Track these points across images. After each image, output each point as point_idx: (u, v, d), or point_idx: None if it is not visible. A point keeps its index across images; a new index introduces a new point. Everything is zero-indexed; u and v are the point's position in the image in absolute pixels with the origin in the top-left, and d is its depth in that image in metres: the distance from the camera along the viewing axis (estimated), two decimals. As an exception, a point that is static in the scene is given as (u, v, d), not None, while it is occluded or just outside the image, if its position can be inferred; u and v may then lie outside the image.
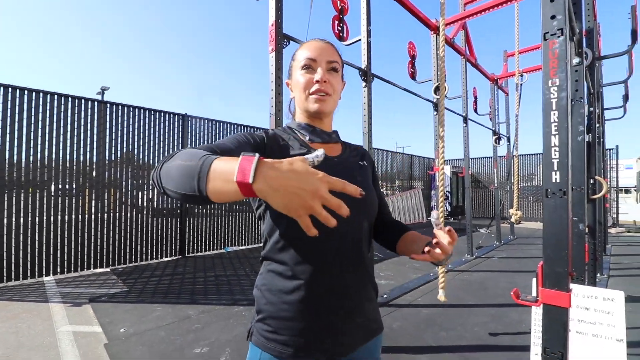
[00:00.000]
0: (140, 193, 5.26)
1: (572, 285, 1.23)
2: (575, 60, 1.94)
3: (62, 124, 4.37)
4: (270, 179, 0.46)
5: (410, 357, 2.34)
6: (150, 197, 5.35)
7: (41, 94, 4.21)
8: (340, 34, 3.21)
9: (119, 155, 4.97)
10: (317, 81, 0.81)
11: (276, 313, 0.75)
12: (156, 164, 0.64)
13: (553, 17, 1.10)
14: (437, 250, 0.71)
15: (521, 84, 5.59)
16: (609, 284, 3.98)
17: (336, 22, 3.16)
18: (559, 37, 1.08)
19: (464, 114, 5.56)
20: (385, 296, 3.52)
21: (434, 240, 0.72)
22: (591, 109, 3.14)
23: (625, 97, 6.37)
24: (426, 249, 0.71)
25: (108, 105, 4.85)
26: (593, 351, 1.78)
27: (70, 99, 4.46)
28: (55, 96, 4.33)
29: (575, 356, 1.79)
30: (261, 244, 0.83)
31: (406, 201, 10.36)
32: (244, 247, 6.46)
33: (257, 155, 0.47)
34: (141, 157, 5.24)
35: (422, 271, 4.60)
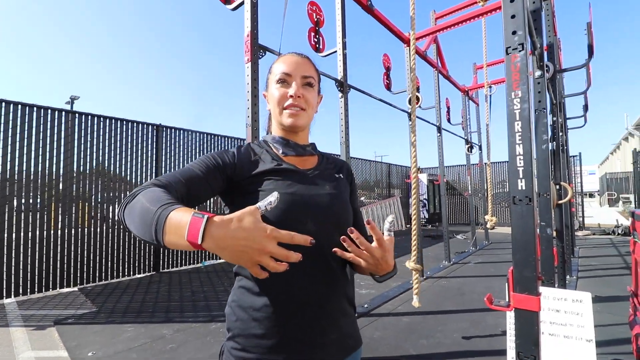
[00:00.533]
0: (110, 206, 5.04)
1: (542, 288, 1.27)
2: (538, 73, 2.05)
3: (26, 135, 4.15)
4: (218, 239, 0.50)
5: (391, 367, 2.34)
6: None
7: (3, 104, 3.99)
8: (317, 46, 3.26)
9: (88, 167, 4.76)
10: (291, 96, 0.82)
11: (245, 330, 0.73)
12: (123, 199, 0.68)
13: (514, 33, 1.16)
14: (364, 252, 0.70)
15: (490, 95, 5.85)
16: (578, 285, 4.16)
17: (312, 34, 3.21)
18: (520, 51, 1.14)
19: (437, 124, 5.73)
20: (365, 306, 3.51)
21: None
22: (554, 118, 3.31)
23: (585, 107, 6.78)
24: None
25: (77, 115, 4.66)
26: (565, 352, 1.84)
27: (35, 109, 4.25)
28: (19, 106, 4.12)
29: (550, 358, 1.84)
30: None
31: (385, 209, 10.49)
32: (222, 261, 6.30)
33: (205, 216, 0.51)
34: (112, 169, 5.04)
35: (402, 279, 4.64)
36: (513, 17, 1.15)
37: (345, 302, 0.82)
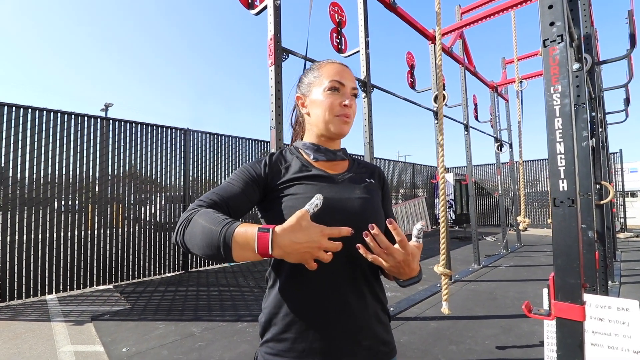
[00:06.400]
0: (142, 208, 5.26)
1: (585, 296, 1.18)
2: (576, 65, 1.93)
3: (65, 141, 4.41)
4: (285, 247, 0.57)
5: (419, 373, 2.27)
6: (153, 211, 5.34)
7: (45, 112, 4.26)
8: (339, 46, 3.24)
9: (121, 171, 4.99)
10: (346, 105, 0.83)
11: (278, 335, 0.73)
12: (176, 226, 0.70)
13: (552, 24, 1.09)
14: (384, 253, 0.67)
15: (521, 91, 5.59)
16: (622, 292, 3.89)
17: (334, 35, 3.20)
18: (559, 43, 1.06)
19: (464, 122, 5.55)
20: (392, 309, 3.45)
21: (373, 229, 0.66)
22: (593, 114, 3.11)
23: (627, 101, 6.34)
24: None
25: (111, 121, 4.90)
26: (610, 364, 1.71)
27: (73, 116, 4.50)
28: (59, 114, 4.38)
29: (592, 370, 1.72)
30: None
31: (410, 209, 10.29)
32: (247, 261, 6.40)
33: (270, 230, 0.58)
34: (144, 171, 5.26)
35: (428, 282, 4.52)
36: (550, 7, 1.08)
37: (378, 308, 0.80)
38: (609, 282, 3.61)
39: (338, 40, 3.21)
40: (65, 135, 4.42)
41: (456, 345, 2.64)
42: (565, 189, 1.01)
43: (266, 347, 0.75)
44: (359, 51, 3.47)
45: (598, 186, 2.94)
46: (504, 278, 4.74)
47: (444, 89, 4.95)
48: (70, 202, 4.48)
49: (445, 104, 4.85)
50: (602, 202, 2.93)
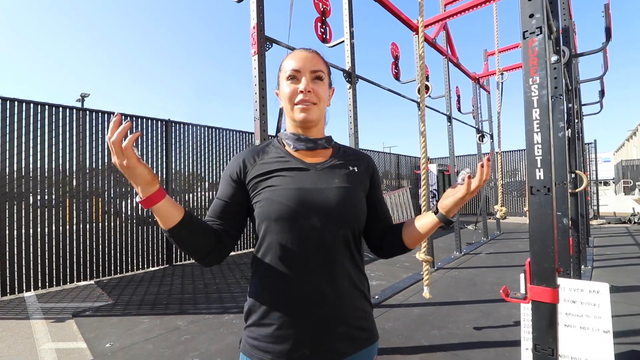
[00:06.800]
0: (123, 201, 5.12)
1: (559, 280, 1.24)
2: (554, 58, 1.98)
3: (39, 133, 4.22)
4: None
5: (403, 358, 2.34)
6: (134, 205, 5.22)
7: (16, 103, 4.05)
8: (324, 36, 3.21)
9: (100, 164, 4.83)
10: (301, 91, 0.82)
11: (257, 321, 0.78)
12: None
13: (532, 16, 1.11)
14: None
15: (502, 82, 5.71)
16: (594, 276, 4.09)
17: (319, 25, 3.16)
18: (538, 35, 1.09)
19: (447, 113, 5.63)
20: (376, 297, 3.52)
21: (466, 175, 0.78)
22: (570, 105, 3.22)
23: (602, 93, 6.58)
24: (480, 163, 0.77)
25: (87, 112, 4.72)
26: (581, 344, 1.81)
27: (47, 107, 4.31)
28: (32, 105, 4.18)
29: (565, 350, 1.82)
30: (251, 249, 0.87)
31: (395, 200, 10.43)
32: (233, 253, 6.36)
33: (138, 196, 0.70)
34: (124, 165, 5.11)
35: (412, 270, 4.63)
36: (530, -1, 1.10)
37: (356, 295, 0.82)
38: (582, 267, 3.79)
39: (322, 30, 3.18)
40: (39, 127, 4.22)
41: (438, 330, 2.73)
42: (542, 177, 1.05)
43: (248, 330, 0.80)
44: (343, 41, 3.44)
45: (573, 175, 3.05)
46: (484, 265, 4.91)
47: (428, 80, 4.99)
48: (46, 197, 4.32)
49: (429, 95, 4.91)
50: (576, 191, 3.05)
